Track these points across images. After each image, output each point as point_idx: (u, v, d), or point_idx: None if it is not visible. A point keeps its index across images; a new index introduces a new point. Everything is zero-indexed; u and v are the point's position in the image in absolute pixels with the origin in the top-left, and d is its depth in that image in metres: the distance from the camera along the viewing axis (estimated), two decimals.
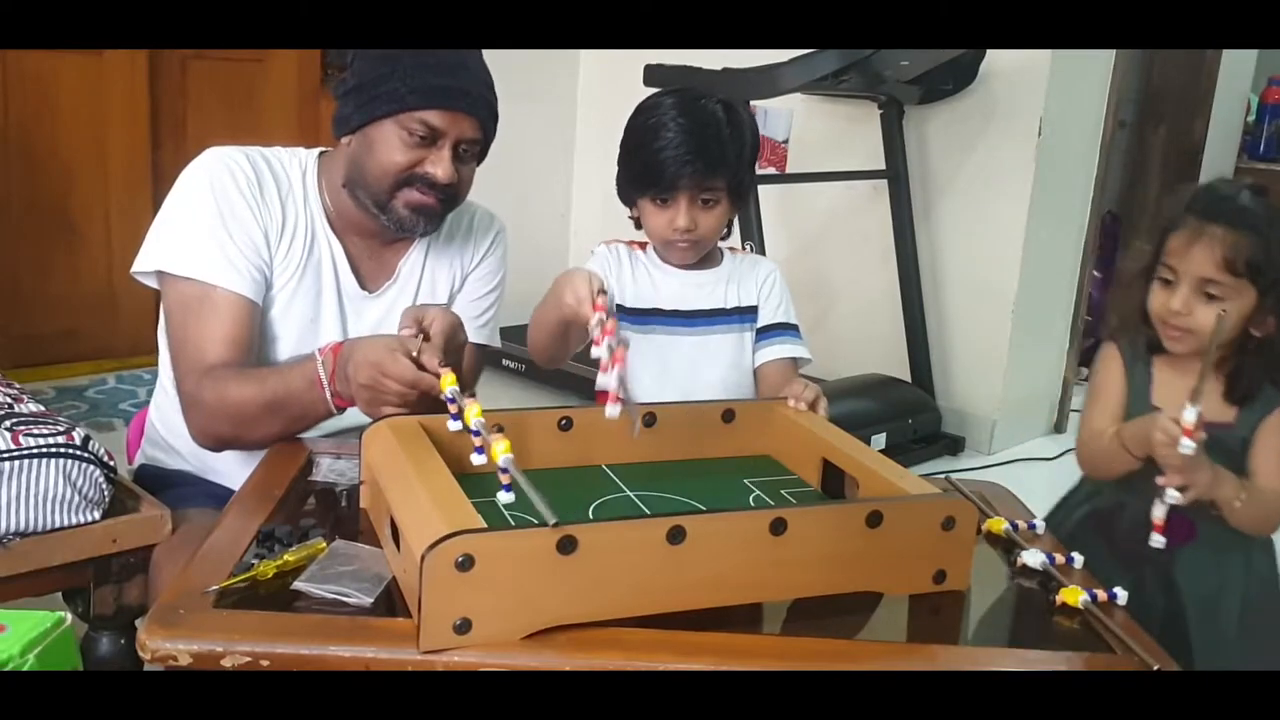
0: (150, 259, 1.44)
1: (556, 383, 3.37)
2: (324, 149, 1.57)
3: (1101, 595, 1.11)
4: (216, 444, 1.44)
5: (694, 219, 1.53)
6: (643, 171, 1.54)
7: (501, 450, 1.01)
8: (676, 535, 0.99)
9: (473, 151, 1.49)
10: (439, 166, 1.44)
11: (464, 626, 0.93)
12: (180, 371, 1.44)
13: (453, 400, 1.17)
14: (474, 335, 1.61)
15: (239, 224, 1.44)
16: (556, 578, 0.95)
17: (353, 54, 1.47)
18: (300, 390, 1.35)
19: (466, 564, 0.92)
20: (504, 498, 1.04)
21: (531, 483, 0.98)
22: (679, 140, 1.49)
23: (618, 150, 1.59)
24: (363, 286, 1.55)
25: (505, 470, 1.02)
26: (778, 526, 1.03)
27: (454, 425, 1.18)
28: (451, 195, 1.49)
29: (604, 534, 0.97)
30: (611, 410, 1.18)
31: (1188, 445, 1.27)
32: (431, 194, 1.46)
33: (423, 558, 0.91)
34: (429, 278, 1.60)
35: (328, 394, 1.34)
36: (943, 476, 1.50)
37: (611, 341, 1.21)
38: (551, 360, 1.53)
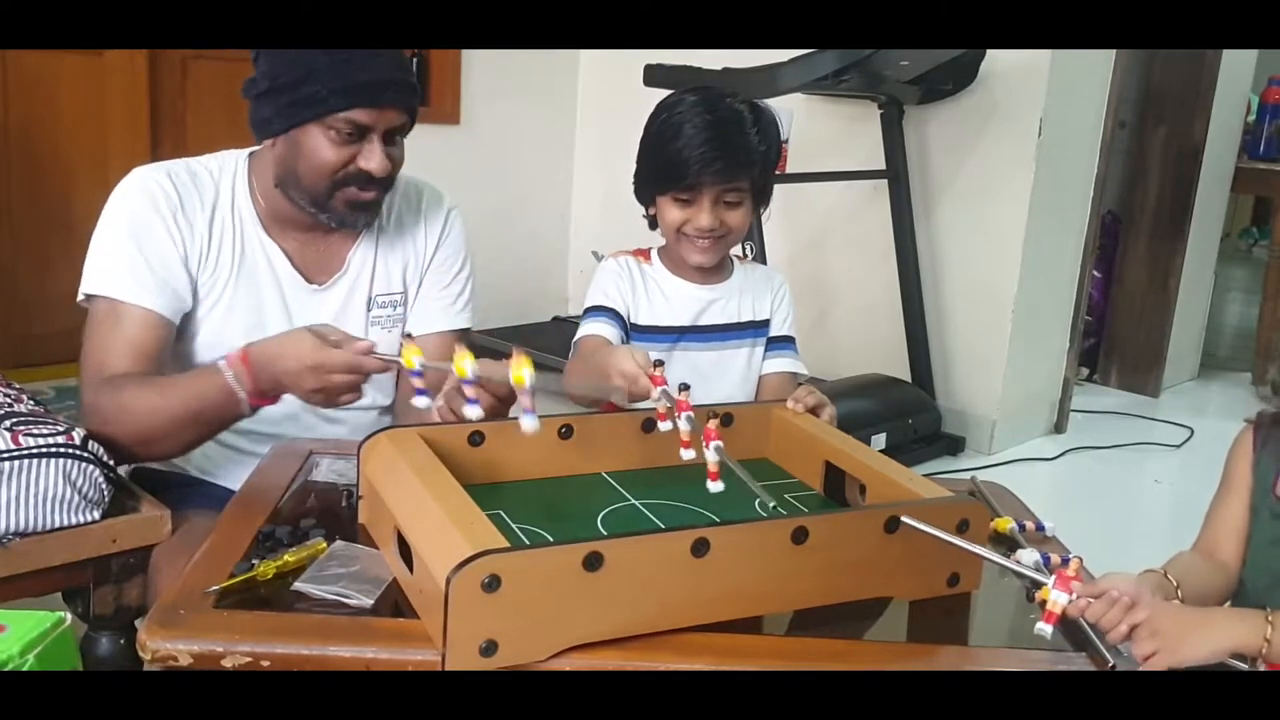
0: (81, 288, 1.46)
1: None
2: (254, 149, 1.55)
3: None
4: (117, 456, 1.39)
5: (718, 218, 1.49)
6: (665, 168, 1.49)
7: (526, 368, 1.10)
8: (700, 547, 0.98)
9: (401, 134, 1.48)
10: (373, 161, 1.43)
11: (490, 649, 0.92)
12: (81, 382, 1.43)
13: (419, 374, 1.21)
14: (452, 321, 1.62)
15: (152, 242, 1.44)
16: (582, 595, 0.94)
17: (256, 53, 1.45)
18: (215, 400, 1.34)
19: (493, 585, 0.90)
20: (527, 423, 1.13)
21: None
22: (703, 138, 1.45)
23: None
24: (309, 281, 1.54)
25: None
26: (799, 535, 1.03)
27: (420, 401, 1.22)
28: (387, 183, 1.49)
29: (629, 549, 0.96)
30: (715, 486, 1.16)
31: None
32: (369, 188, 1.46)
33: (449, 580, 0.89)
34: (382, 265, 1.59)
35: (244, 401, 1.33)
36: (952, 475, 1.50)
37: (693, 416, 1.19)
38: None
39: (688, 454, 1.20)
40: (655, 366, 1.25)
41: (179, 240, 1.46)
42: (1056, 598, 0.99)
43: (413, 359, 1.21)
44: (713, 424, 1.14)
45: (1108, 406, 4.00)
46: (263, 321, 1.51)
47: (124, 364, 1.40)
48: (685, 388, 1.21)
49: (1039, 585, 1.07)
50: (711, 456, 1.14)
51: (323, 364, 1.25)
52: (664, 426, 1.22)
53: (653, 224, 1.59)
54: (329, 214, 1.48)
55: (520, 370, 1.12)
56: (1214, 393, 4.39)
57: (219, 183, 1.52)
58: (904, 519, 1.06)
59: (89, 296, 1.45)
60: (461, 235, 1.67)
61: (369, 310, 1.58)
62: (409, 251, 1.61)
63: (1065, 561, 1.22)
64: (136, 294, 1.42)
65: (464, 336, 1.65)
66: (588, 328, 1.56)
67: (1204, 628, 1.03)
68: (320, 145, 1.42)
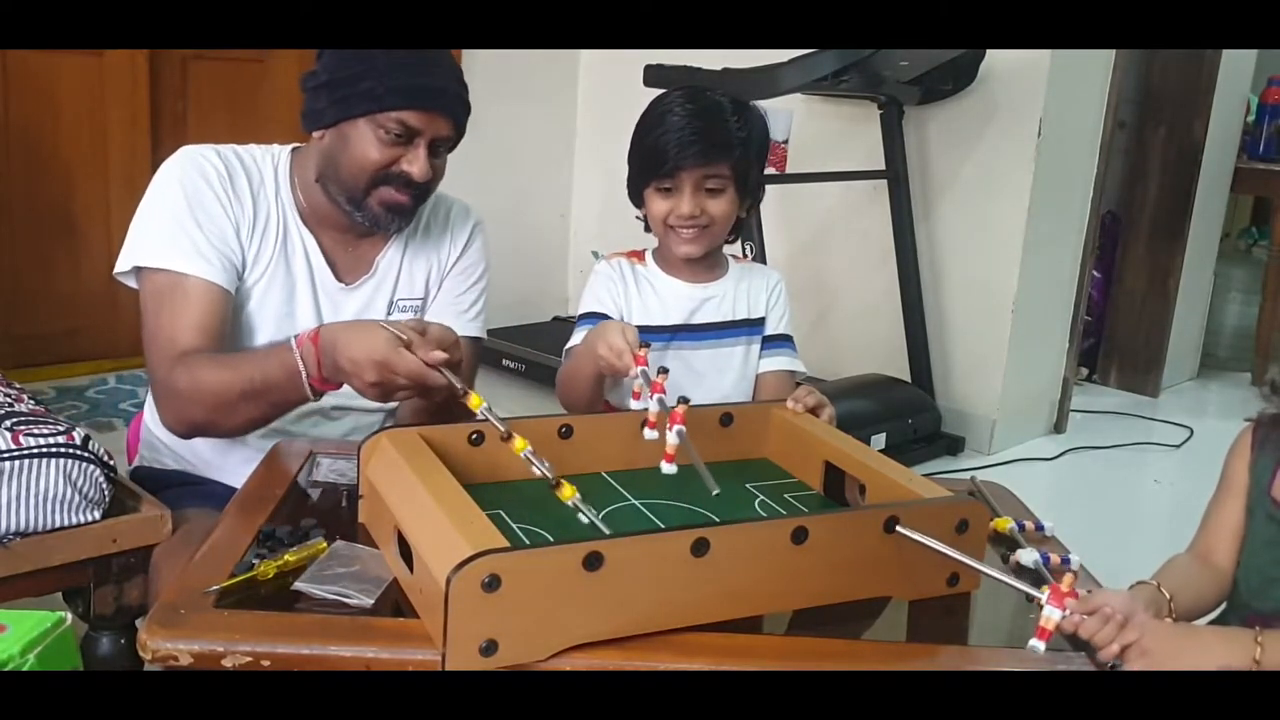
0: (126, 258, 1.45)
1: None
2: (297, 145, 1.57)
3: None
4: (191, 431, 1.43)
5: (699, 205, 1.50)
6: (647, 157, 1.52)
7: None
8: (700, 547, 0.98)
9: (446, 146, 1.50)
10: (415, 165, 1.45)
11: (490, 648, 0.92)
12: (153, 361, 1.43)
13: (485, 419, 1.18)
14: (464, 329, 1.61)
15: (208, 215, 1.45)
16: (582, 595, 0.94)
17: (321, 51, 1.47)
18: (279, 379, 1.34)
19: (493, 584, 0.90)
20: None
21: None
22: (682, 124, 1.48)
23: (621, 152, 1.58)
24: (339, 279, 1.55)
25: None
26: (799, 535, 1.03)
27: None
28: (425, 191, 1.50)
29: (629, 549, 0.96)
30: (669, 468, 1.19)
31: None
32: (406, 192, 1.47)
33: (449, 580, 0.89)
34: (406, 271, 1.60)
35: (306, 383, 1.33)
36: (952, 475, 1.50)
37: (664, 398, 1.20)
38: (586, 410, 1.50)
39: (651, 434, 1.21)
40: (642, 347, 1.28)
41: (231, 213, 1.47)
42: (1049, 614, 0.99)
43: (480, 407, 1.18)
44: (681, 408, 1.17)
45: (1107, 406, 4.00)
46: (293, 310, 1.52)
47: (194, 339, 1.40)
48: (663, 370, 1.24)
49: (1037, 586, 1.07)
50: (672, 439, 1.17)
51: (391, 364, 1.24)
52: (635, 405, 1.24)
53: (647, 226, 1.60)
54: (363, 213, 1.48)
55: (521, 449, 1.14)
56: (1213, 393, 4.39)
57: (263, 170, 1.53)
58: (899, 529, 1.06)
59: (139, 269, 1.44)
60: (483, 250, 1.69)
61: (389, 313, 1.59)
62: (433, 258, 1.63)
63: (1065, 562, 1.22)
64: (200, 267, 1.42)
65: (476, 345, 1.65)
66: (579, 337, 1.56)
67: (1194, 648, 1.04)
68: (367, 142, 1.43)
